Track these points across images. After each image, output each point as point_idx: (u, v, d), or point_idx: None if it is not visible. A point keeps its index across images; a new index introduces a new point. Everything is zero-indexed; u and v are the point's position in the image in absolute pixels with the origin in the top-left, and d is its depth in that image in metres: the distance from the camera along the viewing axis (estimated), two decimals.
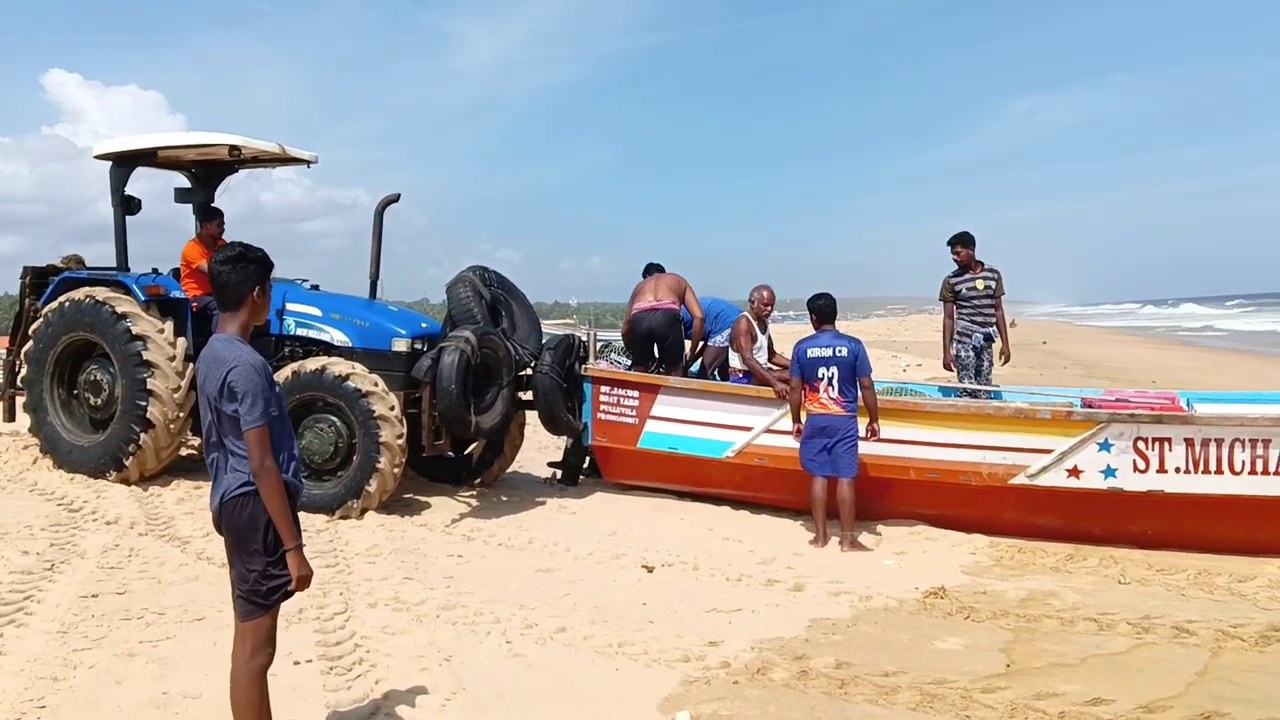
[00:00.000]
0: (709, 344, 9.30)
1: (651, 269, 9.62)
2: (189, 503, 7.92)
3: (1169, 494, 6.86)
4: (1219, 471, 6.76)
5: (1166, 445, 6.85)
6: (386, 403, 7.63)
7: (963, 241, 9.10)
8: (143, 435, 8.16)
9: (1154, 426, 6.89)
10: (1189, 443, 6.80)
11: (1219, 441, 6.75)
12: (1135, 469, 6.91)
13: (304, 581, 3.40)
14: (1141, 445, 6.90)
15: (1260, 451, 6.67)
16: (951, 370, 9.18)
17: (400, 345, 8.17)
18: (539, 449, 10.80)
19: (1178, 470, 6.84)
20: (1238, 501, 6.73)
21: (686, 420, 8.27)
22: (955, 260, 9.16)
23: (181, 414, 8.28)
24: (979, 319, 9.03)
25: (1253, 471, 6.70)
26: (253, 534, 3.37)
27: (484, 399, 8.03)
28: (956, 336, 9.10)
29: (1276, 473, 6.65)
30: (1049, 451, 7.08)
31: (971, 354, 9.00)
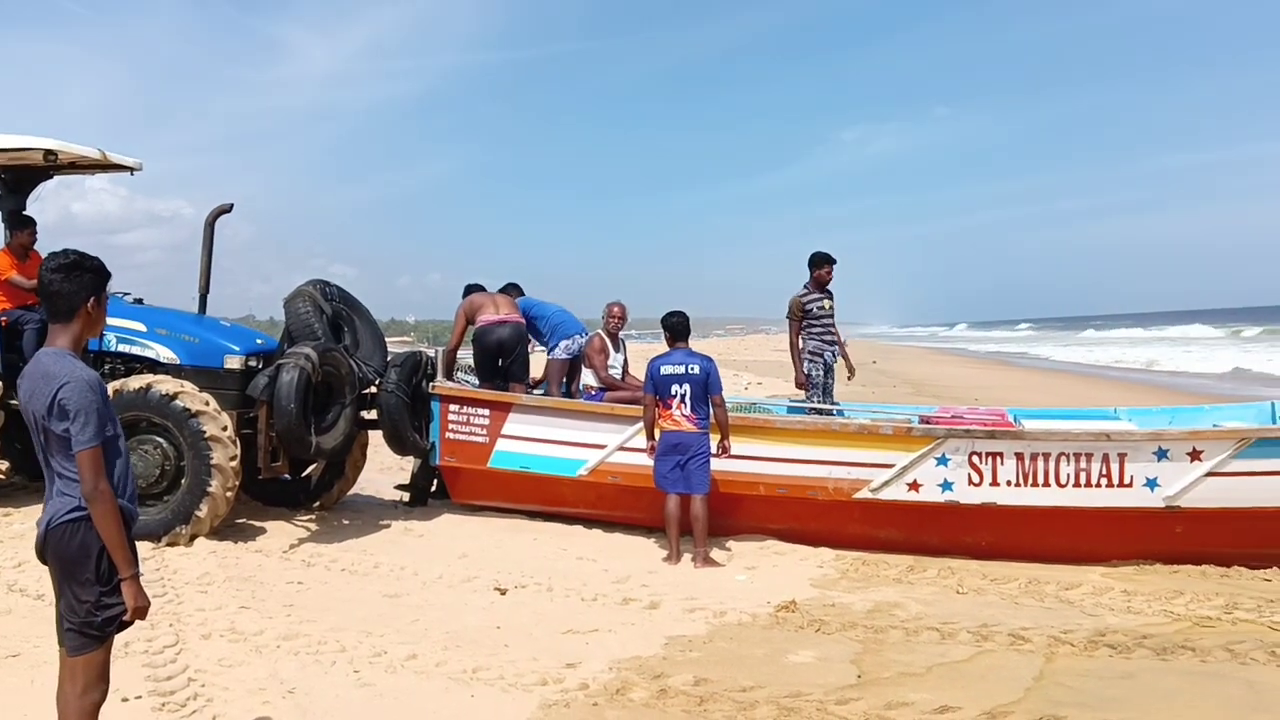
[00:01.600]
0: (549, 357, 9.06)
1: (475, 288, 9.28)
2: None
3: (1001, 506, 7.16)
4: (1046, 484, 7.10)
5: (999, 459, 7.16)
6: (218, 423, 7.22)
7: (831, 261, 9.22)
8: None
9: (987, 441, 7.19)
10: (1019, 457, 7.13)
11: (1046, 455, 7.09)
12: (970, 482, 7.19)
13: (141, 612, 3.18)
14: (976, 460, 7.19)
15: (1084, 465, 7.03)
16: (803, 389, 9.23)
17: (233, 363, 7.78)
18: (381, 470, 10.46)
19: (1009, 484, 7.15)
20: (1063, 513, 7.08)
21: (539, 439, 8.15)
22: (820, 279, 9.21)
23: None
24: (828, 338, 9.20)
25: (1076, 484, 7.05)
26: (84, 562, 3.11)
27: (325, 418, 7.73)
28: (809, 355, 9.13)
29: (1098, 485, 7.03)
30: (891, 466, 7.30)
31: (822, 373, 9.16)
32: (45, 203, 9.07)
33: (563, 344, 8.89)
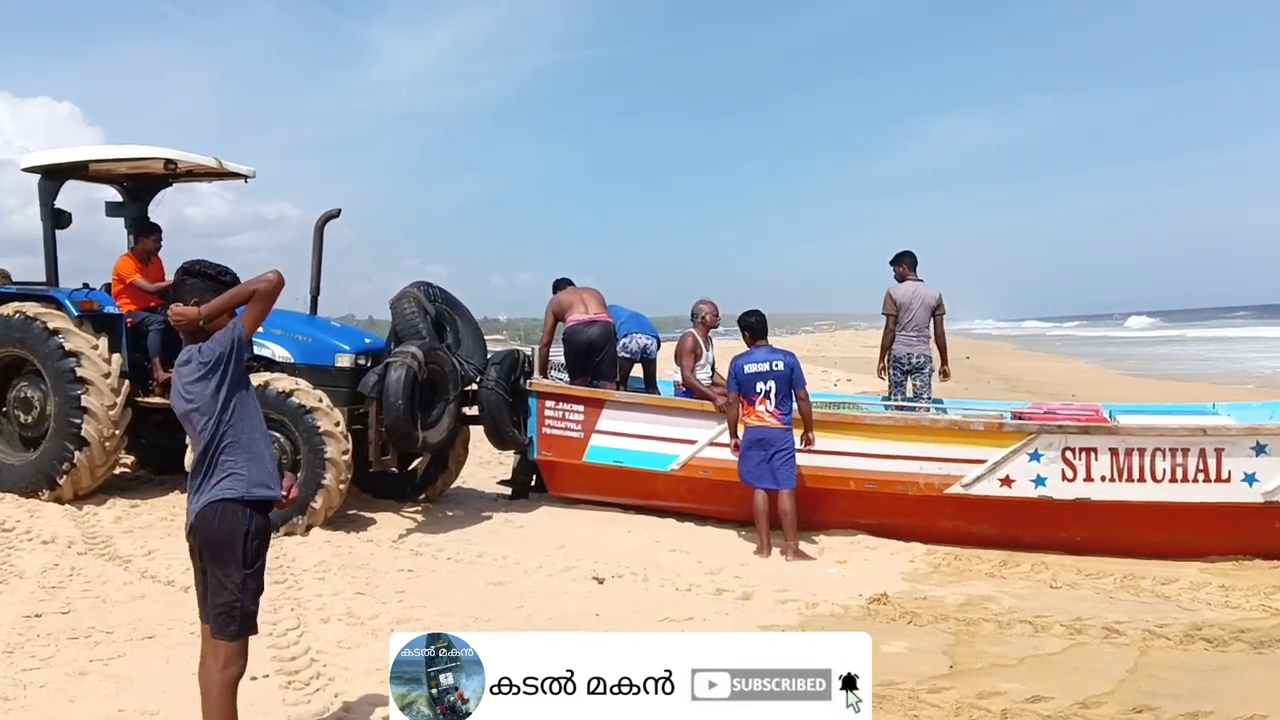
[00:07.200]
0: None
1: (563, 283, 9.53)
2: (126, 521, 7.80)
3: (1095, 502, 7.15)
4: (1141, 480, 7.07)
5: (1093, 455, 7.14)
6: (331, 419, 7.61)
7: None
8: (77, 453, 7.99)
9: (1081, 437, 7.19)
10: (1113, 452, 7.11)
11: (1141, 451, 7.06)
12: (1064, 478, 7.19)
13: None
14: (1069, 455, 7.18)
15: (1180, 460, 6.99)
16: (945, 381, 9.33)
17: (344, 361, 8.15)
18: (481, 464, 10.81)
19: (1103, 479, 7.13)
20: (1159, 508, 7.04)
21: (632, 434, 8.37)
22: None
23: (117, 431, 8.14)
24: None
25: (1173, 479, 7.01)
26: (230, 544, 3.38)
27: (430, 414, 8.04)
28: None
29: (1194, 480, 6.98)
30: (982, 462, 7.33)
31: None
32: (163, 207, 9.65)
33: (620, 341, 9.04)
